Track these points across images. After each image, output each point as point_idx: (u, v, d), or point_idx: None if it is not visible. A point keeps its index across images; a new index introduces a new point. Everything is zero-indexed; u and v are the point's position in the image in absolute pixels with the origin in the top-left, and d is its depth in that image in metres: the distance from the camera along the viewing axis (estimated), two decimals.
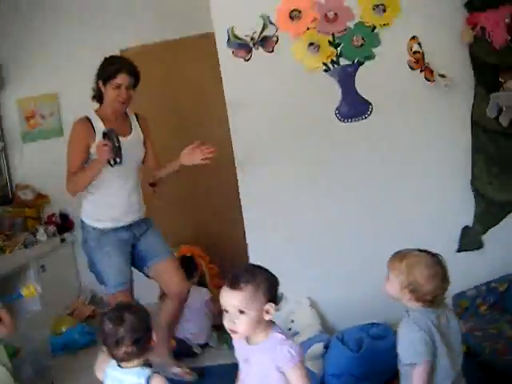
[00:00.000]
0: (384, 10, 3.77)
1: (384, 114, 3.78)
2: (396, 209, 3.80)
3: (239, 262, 3.75)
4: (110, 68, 3.38)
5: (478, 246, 3.76)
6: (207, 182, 5.23)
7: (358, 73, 3.80)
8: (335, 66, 3.81)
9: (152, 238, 3.59)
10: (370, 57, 3.79)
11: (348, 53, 3.80)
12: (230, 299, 1.93)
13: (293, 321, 3.66)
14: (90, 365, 4.03)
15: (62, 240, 5.26)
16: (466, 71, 3.71)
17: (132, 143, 3.45)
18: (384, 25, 3.78)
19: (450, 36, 3.72)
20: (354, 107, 3.81)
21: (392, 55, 3.77)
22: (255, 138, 3.85)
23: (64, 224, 5.38)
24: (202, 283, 4.55)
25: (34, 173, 5.51)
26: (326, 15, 3.81)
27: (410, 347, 2.15)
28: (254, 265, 2.23)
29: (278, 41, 3.82)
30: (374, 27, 3.78)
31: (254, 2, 3.84)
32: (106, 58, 3.49)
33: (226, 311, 1.96)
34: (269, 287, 1.99)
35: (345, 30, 3.80)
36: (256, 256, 3.79)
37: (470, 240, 3.75)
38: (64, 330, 4.68)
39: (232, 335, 2.00)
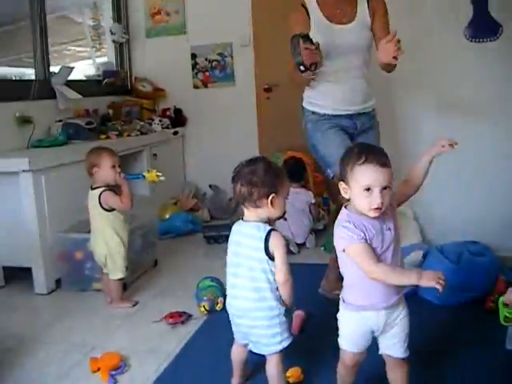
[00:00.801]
0: None
1: None
2: None
3: None
4: None
5: None
6: None
7: None
8: None
9: (371, 140, 3.03)
10: None
11: None
12: (384, 175, 1.87)
13: None
14: (190, 249, 4.42)
15: (175, 133, 5.51)
16: None
17: (351, 31, 2.99)
18: None
19: None
20: (484, 28, 3.72)
21: None
22: None
23: (177, 119, 5.62)
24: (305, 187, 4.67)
25: (153, 67, 5.74)
26: None
27: None
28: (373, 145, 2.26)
29: None
30: None
31: None
32: None
33: (368, 189, 1.87)
34: None
35: None
36: None
37: None
38: (168, 216, 4.99)
39: (375, 213, 1.88)
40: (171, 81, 5.65)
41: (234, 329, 2.32)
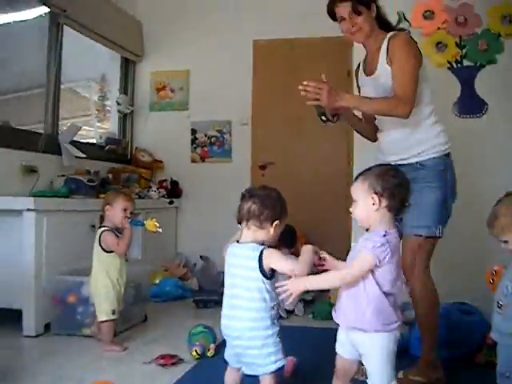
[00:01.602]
0: (510, 22, 4.04)
1: (498, 115, 3.98)
2: None
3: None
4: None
5: None
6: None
7: (478, 74, 4.05)
8: (459, 65, 4.08)
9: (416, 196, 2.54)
10: (492, 61, 4.06)
11: (472, 55, 4.09)
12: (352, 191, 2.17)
13: None
14: (180, 312, 4.43)
15: (171, 202, 5.63)
16: None
17: (370, 82, 2.99)
18: (509, 34, 4.05)
19: None
20: (471, 105, 4.05)
21: None
22: None
23: (173, 190, 5.77)
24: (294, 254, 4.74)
25: (154, 139, 5.95)
26: (456, 19, 4.11)
27: None
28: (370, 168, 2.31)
29: None
30: (499, 35, 4.06)
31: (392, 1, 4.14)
32: None
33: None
34: (377, 180, 2.12)
35: (472, 34, 4.09)
36: None
37: None
38: (158, 281, 5.02)
39: None
40: (170, 153, 5.85)
41: (227, 352, 2.34)
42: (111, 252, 3.40)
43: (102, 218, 3.58)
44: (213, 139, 5.81)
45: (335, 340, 2.21)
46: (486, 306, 3.23)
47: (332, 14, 2.92)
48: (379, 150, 3.05)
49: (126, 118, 6.01)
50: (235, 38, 5.68)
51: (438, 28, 4.11)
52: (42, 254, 3.65)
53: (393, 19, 3.99)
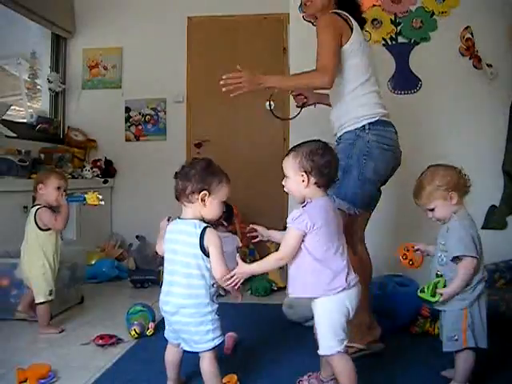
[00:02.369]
0: (444, 0, 4.10)
1: (431, 91, 4.07)
2: None
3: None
4: None
5: (503, 226, 4.00)
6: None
7: (412, 51, 4.12)
8: (393, 42, 4.13)
9: None
10: (426, 39, 4.15)
11: (406, 32, 4.15)
12: (283, 164, 2.23)
13: None
14: (116, 292, 4.37)
15: (105, 181, 5.53)
16: (511, 64, 4.02)
17: None
18: (442, 12, 4.13)
19: (500, 30, 4.06)
20: (406, 81, 4.12)
21: (445, 40, 4.13)
22: None
23: (107, 170, 5.66)
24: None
25: (87, 118, 5.81)
26: None
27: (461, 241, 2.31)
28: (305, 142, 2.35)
29: None
30: (433, 13, 4.12)
31: None
32: None
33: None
34: (307, 158, 2.18)
35: (406, 12, 4.15)
36: None
37: (495, 219, 3.99)
38: (93, 262, 4.93)
39: None
40: (104, 132, 5.74)
41: (166, 328, 2.34)
42: (48, 230, 3.31)
43: (34, 199, 3.48)
44: (147, 117, 5.72)
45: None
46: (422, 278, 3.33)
47: None
48: None
49: (57, 97, 5.84)
50: (169, 15, 5.60)
51: (373, 5, 4.14)
52: None
53: None
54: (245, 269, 2.21)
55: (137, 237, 5.45)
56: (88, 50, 5.82)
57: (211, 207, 2.27)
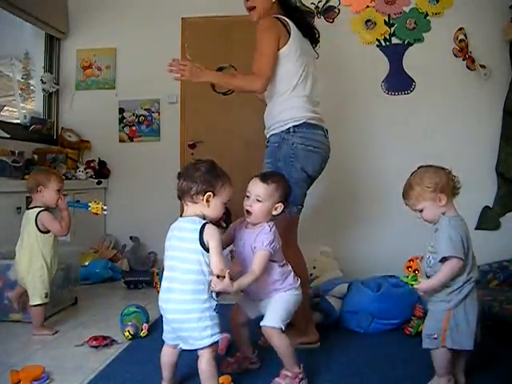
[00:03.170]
0: (437, 1, 4.13)
1: (425, 92, 4.08)
2: None
3: None
4: None
5: (496, 226, 4.01)
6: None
7: (406, 52, 4.12)
8: (387, 43, 4.14)
9: None
10: (420, 40, 4.17)
11: (400, 33, 4.16)
12: (257, 188, 2.50)
13: (314, 267, 3.86)
14: (110, 293, 4.36)
15: (99, 183, 5.50)
16: (504, 65, 4.06)
17: None
18: (436, 14, 4.15)
19: (494, 31, 4.08)
20: (399, 82, 4.13)
21: (439, 41, 4.15)
22: None
23: (101, 171, 5.63)
24: None
25: (80, 119, 5.76)
26: None
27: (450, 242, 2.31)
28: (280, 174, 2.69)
29: (339, 13, 4.15)
30: (427, 14, 4.14)
31: None
32: None
33: (248, 197, 2.50)
34: (285, 192, 2.52)
35: (400, 13, 4.16)
36: None
37: (488, 220, 4.00)
38: (87, 263, 4.92)
39: (246, 215, 2.50)
40: (97, 133, 5.70)
41: (165, 328, 2.34)
42: (47, 232, 3.31)
43: (28, 200, 3.46)
44: (141, 118, 5.69)
45: None
46: None
47: None
48: None
49: (51, 97, 5.79)
50: (163, 16, 5.56)
51: (367, 6, 4.16)
52: None
53: None
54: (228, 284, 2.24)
55: (131, 238, 5.43)
56: (82, 51, 5.78)
57: (214, 208, 2.33)
